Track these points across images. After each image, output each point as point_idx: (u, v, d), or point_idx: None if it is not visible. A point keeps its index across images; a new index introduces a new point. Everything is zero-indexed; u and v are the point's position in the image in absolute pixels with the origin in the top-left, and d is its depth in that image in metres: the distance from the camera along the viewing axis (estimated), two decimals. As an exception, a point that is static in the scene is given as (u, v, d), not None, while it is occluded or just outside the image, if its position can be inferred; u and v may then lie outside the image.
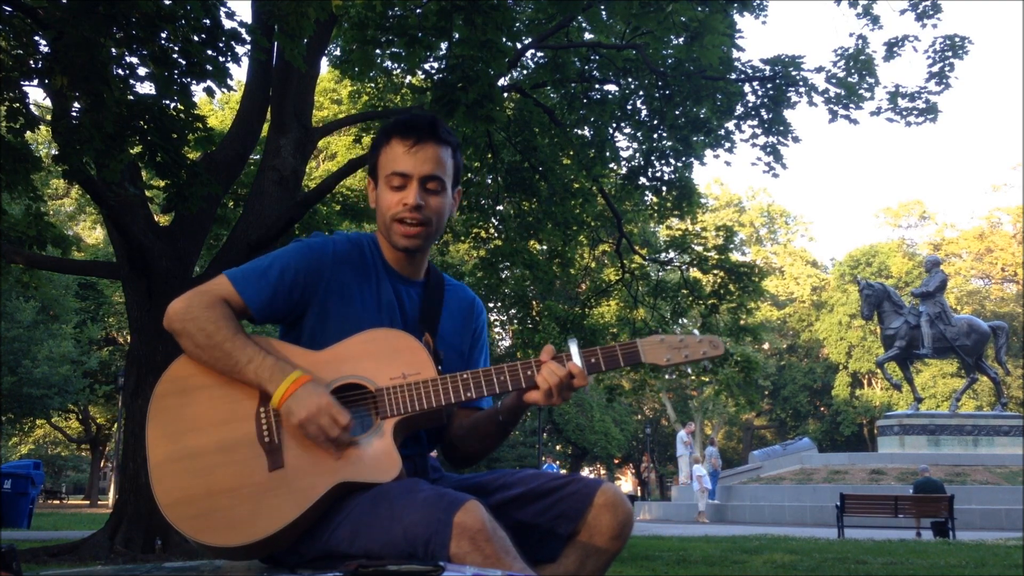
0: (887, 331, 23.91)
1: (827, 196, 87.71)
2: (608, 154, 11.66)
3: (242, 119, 9.37)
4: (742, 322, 14.02)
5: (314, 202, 9.93)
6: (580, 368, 1.71)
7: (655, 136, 11.79)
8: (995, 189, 74.39)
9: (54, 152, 6.67)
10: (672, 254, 14.74)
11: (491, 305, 15.00)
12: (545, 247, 14.53)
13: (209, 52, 5.88)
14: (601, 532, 1.70)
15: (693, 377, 20.56)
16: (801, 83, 10.63)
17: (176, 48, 5.80)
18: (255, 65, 9.09)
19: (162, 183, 6.76)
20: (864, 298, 24.02)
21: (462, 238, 14.47)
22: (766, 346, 43.75)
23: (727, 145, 11.26)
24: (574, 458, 42.14)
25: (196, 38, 5.86)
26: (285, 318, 1.85)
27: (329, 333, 1.80)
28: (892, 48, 11.08)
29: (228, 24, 6.08)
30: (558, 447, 41.83)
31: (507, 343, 24.16)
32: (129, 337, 10.94)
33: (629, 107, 11.82)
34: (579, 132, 12.08)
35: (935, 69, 10.77)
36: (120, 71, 5.98)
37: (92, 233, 32.63)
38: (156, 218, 9.52)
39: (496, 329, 22.04)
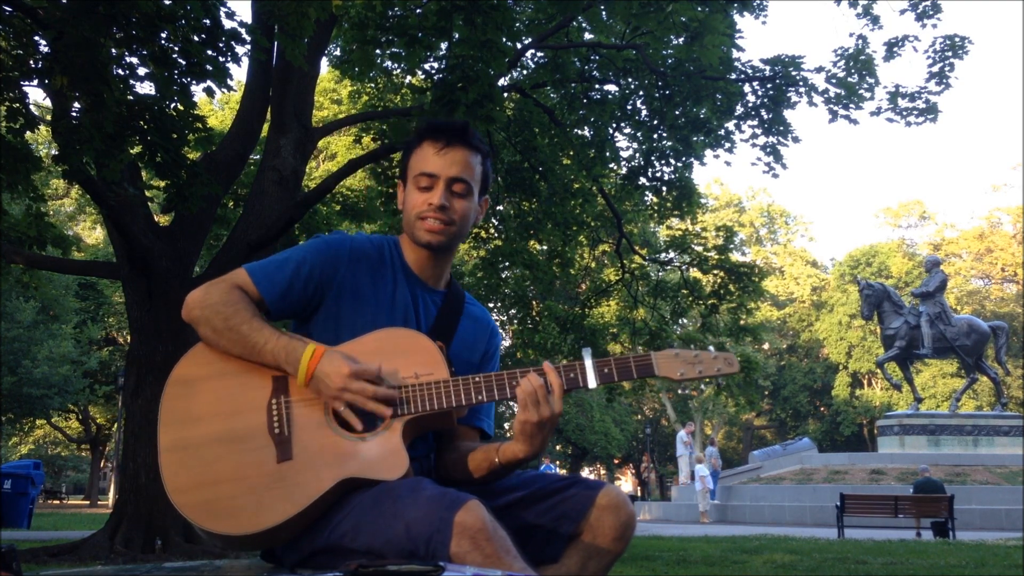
0: (887, 331, 23.90)
1: (827, 196, 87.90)
2: (608, 154, 11.65)
3: (242, 119, 9.38)
4: (742, 322, 14.03)
5: (314, 202, 9.94)
6: (559, 380, 1.72)
7: (655, 136, 11.79)
8: (995, 189, 74.50)
9: (54, 152, 6.67)
10: (672, 254, 14.74)
11: (491, 305, 15.00)
12: (545, 247, 14.53)
13: (209, 52, 5.89)
14: (603, 533, 1.70)
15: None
16: (801, 83, 10.63)
17: (176, 48, 5.81)
18: (255, 65, 9.09)
19: (162, 183, 6.77)
20: (864, 298, 24.01)
21: (462, 238, 14.44)
22: (766, 346, 43.75)
23: (727, 145, 11.26)
24: (574, 458, 42.10)
25: (196, 38, 5.87)
26: (300, 312, 1.86)
27: (340, 330, 1.81)
28: (892, 48, 11.08)
29: (228, 24, 6.10)
30: (558, 447, 41.78)
31: (507, 343, 24.15)
32: (129, 337, 10.94)
33: (629, 107, 11.82)
34: (579, 132, 12.07)
35: (935, 69, 10.77)
36: (120, 71, 5.98)
37: (92, 233, 32.62)
38: (156, 218, 9.53)
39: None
